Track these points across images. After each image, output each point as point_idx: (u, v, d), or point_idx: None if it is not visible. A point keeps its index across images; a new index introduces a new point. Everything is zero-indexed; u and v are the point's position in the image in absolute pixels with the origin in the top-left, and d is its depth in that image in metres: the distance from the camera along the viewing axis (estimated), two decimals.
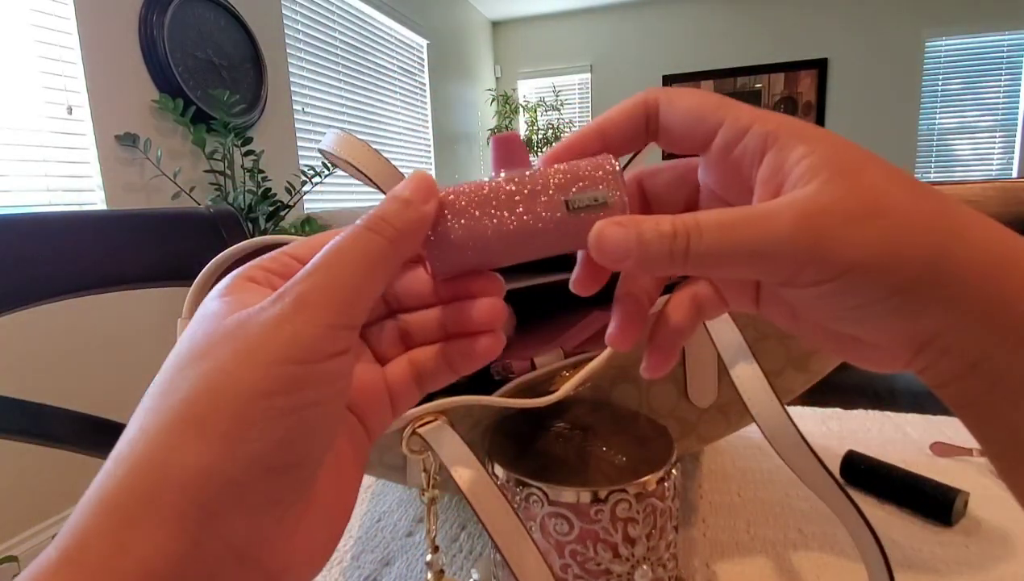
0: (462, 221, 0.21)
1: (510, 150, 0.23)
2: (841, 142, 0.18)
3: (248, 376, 0.16)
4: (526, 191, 0.21)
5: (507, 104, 4.86)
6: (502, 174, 0.21)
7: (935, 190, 0.18)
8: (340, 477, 0.20)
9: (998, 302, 0.16)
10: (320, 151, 0.36)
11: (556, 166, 0.21)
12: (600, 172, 0.21)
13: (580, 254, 0.23)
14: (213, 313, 0.18)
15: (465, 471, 0.29)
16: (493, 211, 0.21)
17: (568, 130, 4.99)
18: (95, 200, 1.84)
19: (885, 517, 0.48)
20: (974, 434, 0.19)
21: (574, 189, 0.21)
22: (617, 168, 0.21)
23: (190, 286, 0.35)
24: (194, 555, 0.16)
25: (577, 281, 0.22)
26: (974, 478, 0.53)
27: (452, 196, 0.21)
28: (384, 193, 0.36)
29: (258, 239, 0.35)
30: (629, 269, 0.20)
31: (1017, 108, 4.21)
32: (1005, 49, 4.19)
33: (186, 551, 0.15)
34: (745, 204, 0.20)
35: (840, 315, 0.19)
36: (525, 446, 0.36)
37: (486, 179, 0.21)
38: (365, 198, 3.24)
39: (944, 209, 0.17)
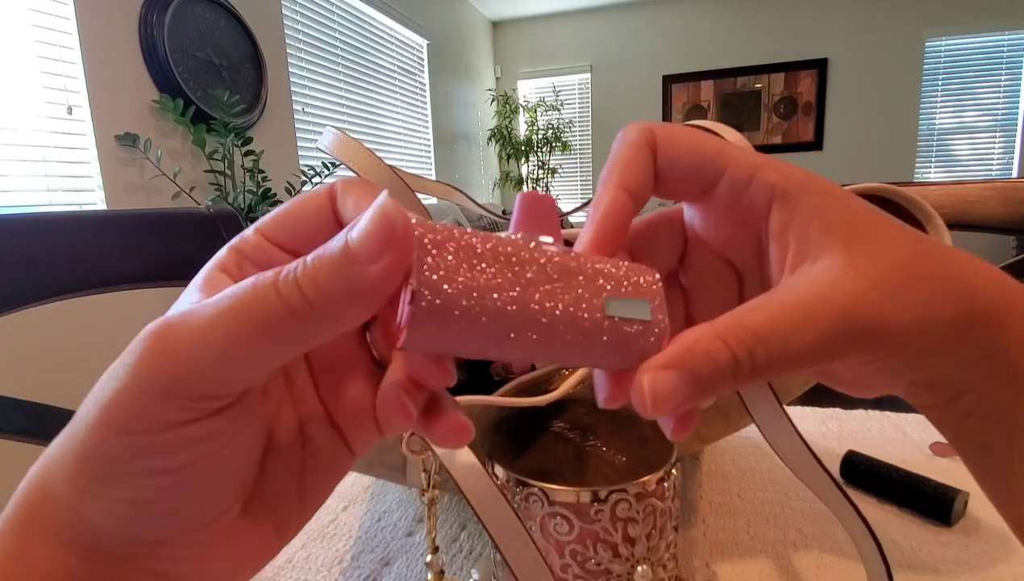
0: (454, 275, 0.14)
1: (538, 213, 0.19)
2: (838, 191, 0.18)
3: (93, 436, 0.15)
4: (557, 266, 0.16)
5: (507, 104, 4.85)
6: (520, 234, 0.17)
7: (933, 241, 0.18)
8: (272, 507, 0.19)
9: (995, 348, 0.17)
10: (319, 148, 0.36)
11: (596, 257, 0.17)
12: (644, 282, 0.17)
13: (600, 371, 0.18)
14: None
15: (465, 471, 0.29)
16: (506, 276, 0.15)
17: (568, 131, 4.98)
18: (95, 200, 1.84)
19: (885, 517, 0.48)
20: (952, 445, 0.20)
21: (617, 289, 0.16)
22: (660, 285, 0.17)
23: None
24: (88, 570, 0.16)
25: (610, 398, 0.18)
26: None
27: (442, 237, 0.15)
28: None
29: None
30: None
31: (1017, 108, 4.21)
32: (1005, 49, 4.19)
33: (75, 566, 0.15)
34: (747, 255, 0.20)
35: (860, 376, 0.19)
36: (525, 446, 0.36)
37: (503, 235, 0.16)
38: None
39: (954, 262, 0.17)
